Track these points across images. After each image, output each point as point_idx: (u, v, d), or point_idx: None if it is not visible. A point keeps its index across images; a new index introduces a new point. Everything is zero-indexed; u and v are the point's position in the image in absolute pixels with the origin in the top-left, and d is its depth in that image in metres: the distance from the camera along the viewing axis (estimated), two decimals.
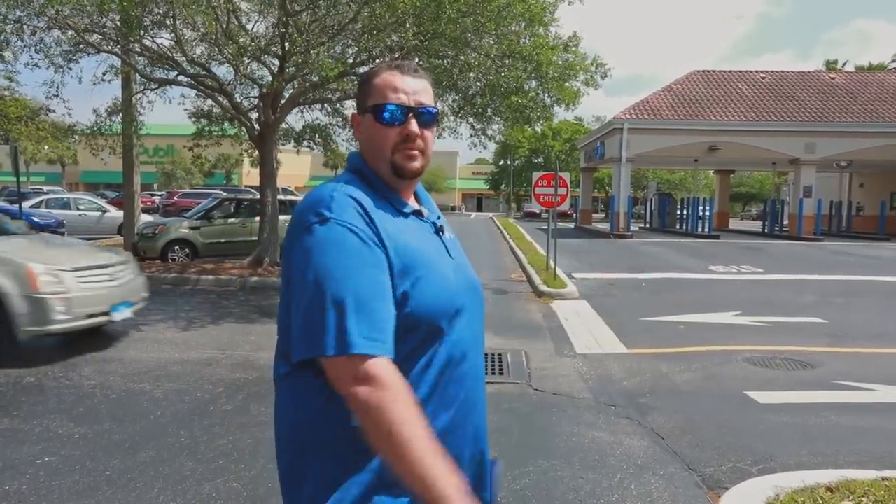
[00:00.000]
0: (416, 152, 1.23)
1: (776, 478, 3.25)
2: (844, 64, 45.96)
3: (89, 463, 3.39)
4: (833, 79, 27.37)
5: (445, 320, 1.15)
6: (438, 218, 1.31)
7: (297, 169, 49.18)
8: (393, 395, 1.02)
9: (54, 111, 16.69)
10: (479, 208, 69.25)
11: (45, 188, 29.69)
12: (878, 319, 8.07)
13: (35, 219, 15.65)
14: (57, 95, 10.40)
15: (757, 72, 27.63)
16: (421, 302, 1.11)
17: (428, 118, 1.24)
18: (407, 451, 1.00)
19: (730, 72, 27.66)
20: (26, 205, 17.67)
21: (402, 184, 1.25)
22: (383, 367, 1.03)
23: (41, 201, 18.46)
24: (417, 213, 1.25)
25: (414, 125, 1.21)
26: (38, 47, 9.59)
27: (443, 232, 1.28)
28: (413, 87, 1.23)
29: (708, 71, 27.60)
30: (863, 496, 2.97)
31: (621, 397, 4.75)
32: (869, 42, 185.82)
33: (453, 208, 61.26)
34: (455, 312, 1.17)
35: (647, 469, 3.46)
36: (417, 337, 1.12)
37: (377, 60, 10.22)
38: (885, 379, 5.25)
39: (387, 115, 1.21)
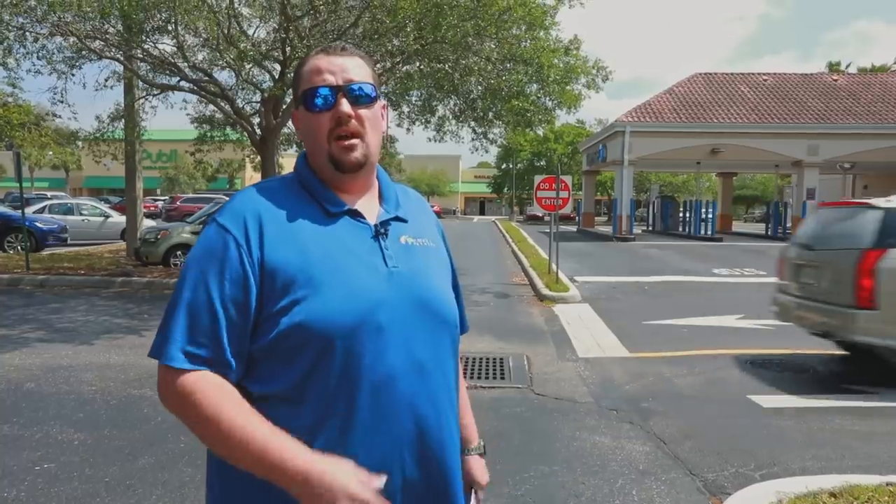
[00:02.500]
0: (354, 141, 1.09)
1: (779, 483, 3.22)
2: (847, 66, 45.89)
3: (88, 469, 3.38)
4: (835, 80, 27.32)
5: (345, 338, 1.01)
6: (395, 218, 1.16)
7: None
8: (202, 398, 0.97)
9: (60, 116, 16.81)
10: (482, 212, 69.27)
11: (49, 193, 29.82)
12: None
13: (38, 224, 15.70)
14: (62, 101, 10.45)
15: (759, 74, 27.60)
16: (309, 315, 1.00)
17: (360, 95, 1.10)
18: (236, 443, 0.95)
19: (732, 74, 27.64)
20: (29, 210, 17.74)
21: (344, 179, 1.12)
22: (191, 378, 0.99)
23: (44, 207, 18.50)
24: (353, 214, 1.11)
25: (344, 105, 1.08)
26: (40, 54, 9.64)
27: (385, 236, 1.12)
28: (341, 66, 1.10)
29: (710, 73, 27.58)
30: (867, 502, 2.94)
31: (623, 401, 4.72)
32: (869, 43, 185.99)
33: (453, 212, 61.26)
34: (363, 330, 1.02)
35: (649, 474, 3.43)
36: (310, 355, 1.01)
37: (378, 65, 10.24)
38: (889, 382, 5.20)
39: (317, 100, 1.09)
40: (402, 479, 1.05)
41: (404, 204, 1.20)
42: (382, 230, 1.12)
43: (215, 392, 0.98)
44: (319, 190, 1.11)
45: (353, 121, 1.09)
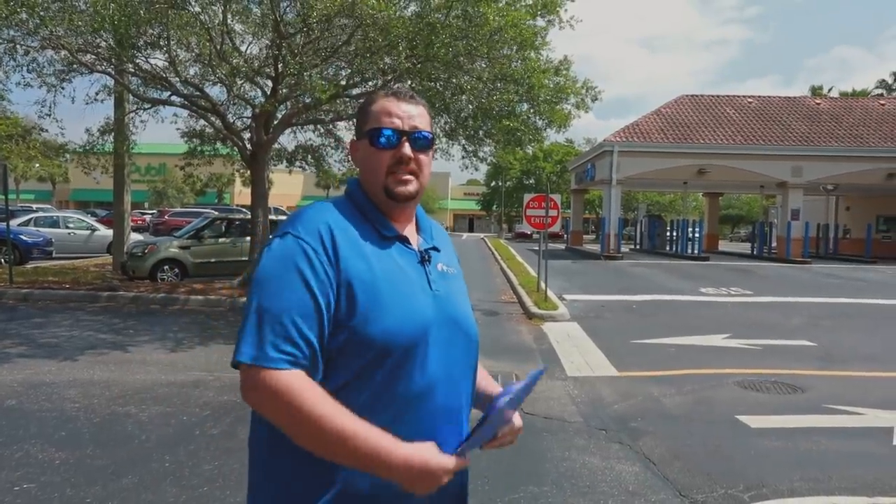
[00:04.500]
0: (409, 176, 1.24)
1: None
2: (829, 90, 46.90)
3: (69, 490, 3.31)
4: (818, 104, 27.88)
5: (401, 350, 1.13)
6: (434, 248, 1.30)
7: (289, 189, 49.19)
8: (296, 397, 1.04)
9: (47, 130, 16.64)
10: (471, 229, 69.42)
11: (35, 206, 29.48)
12: (867, 342, 8.12)
13: (23, 237, 15.51)
14: (49, 115, 10.39)
15: (744, 96, 28.11)
16: (373, 327, 1.11)
17: (422, 142, 1.26)
18: (346, 450, 1.05)
19: (718, 96, 28.12)
20: (15, 223, 17.53)
21: (395, 208, 1.25)
22: (286, 378, 1.05)
23: (30, 219, 18.28)
24: (403, 240, 1.24)
25: (407, 148, 1.23)
26: (30, 67, 9.59)
27: (429, 262, 1.26)
28: (408, 112, 1.25)
29: (696, 95, 28.05)
30: None
31: (612, 421, 4.72)
32: (849, 69, 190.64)
33: (446, 229, 61.27)
34: (416, 345, 1.15)
35: (638, 495, 3.43)
36: (369, 363, 1.12)
37: (370, 83, 10.31)
38: (874, 403, 5.26)
39: (382, 139, 1.23)
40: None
41: (436, 235, 1.34)
42: (427, 257, 1.26)
43: (313, 391, 1.06)
44: (374, 214, 1.24)
45: (412, 163, 1.24)
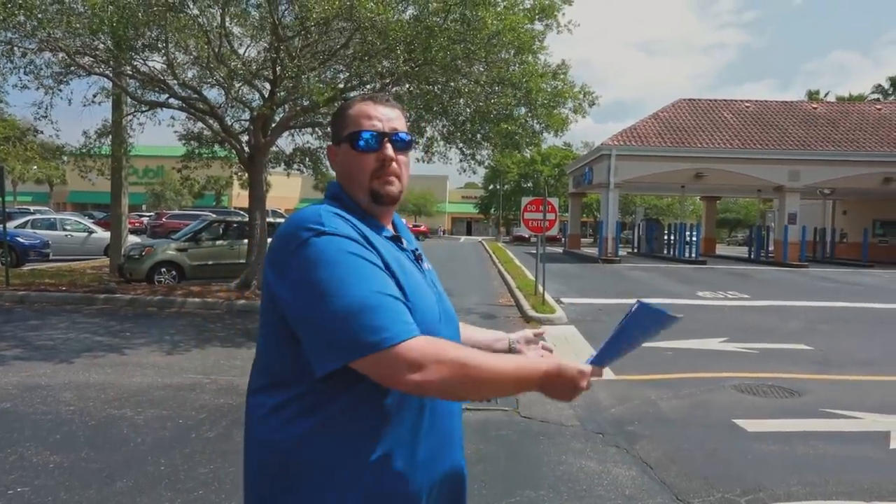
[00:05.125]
0: (392, 178, 1.25)
1: None
2: (826, 94, 47.10)
3: (64, 493, 3.29)
4: (815, 109, 27.98)
5: None
6: (416, 249, 1.33)
7: (287, 192, 49.15)
8: (447, 355, 1.07)
9: (42, 132, 16.61)
10: (469, 232, 69.46)
11: (32, 208, 29.41)
12: (864, 346, 8.12)
13: (20, 239, 15.47)
14: (45, 117, 10.37)
15: (741, 101, 28.20)
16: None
17: (402, 144, 1.27)
18: (501, 377, 1.12)
19: (715, 100, 28.21)
20: (12, 225, 17.48)
21: (380, 210, 1.27)
22: (422, 344, 1.07)
23: (27, 221, 18.24)
24: (396, 240, 1.27)
25: (389, 150, 1.24)
26: (27, 69, 9.58)
27: (421, 261, 1.30)
28: (387, 115, 1.26)
29: (694, 99, 28.14)
30: None
31: (609, 425, 4.71)
32: (845, 73, 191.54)
33: (444, 232, 61.36)
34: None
35: (636, 500, 3.42)
36: None
37: (368, 86, 10.32)
38: (871, 407, 5.26)
39: (362, 142, 1.24)
40: (448, 463, 1.24)
41: (410, 236, 1.37)
42: (419, 255, 1.30)
43: (453, 344, 1.12)
44: (367, 217, 1.25)
45: (394, 164, 1.25)
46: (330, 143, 1.34)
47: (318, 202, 1.28)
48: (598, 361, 1.23)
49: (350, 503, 1.13)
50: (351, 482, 1.13)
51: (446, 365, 1.06)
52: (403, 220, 1.42)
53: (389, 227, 1.30)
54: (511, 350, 1.49)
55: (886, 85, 45.31)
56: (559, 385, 1.16)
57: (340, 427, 1.12)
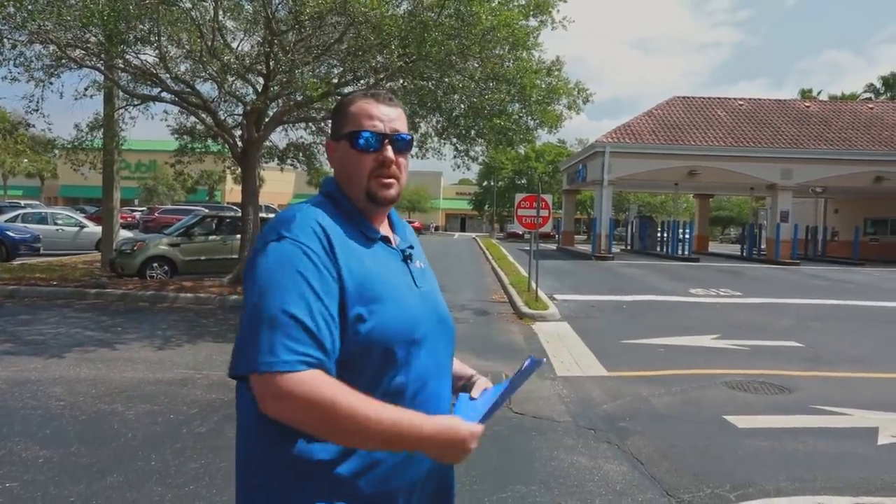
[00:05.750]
0: (391, 180, 1.24)
1: None
2: (819, 93, 47.29)
3: (53, 489, 3.27)
4: (808, 107, 28.11)
5: (401, 348, 1.16)
6: (410, 247, 1.31)
7: (280, 187, 48.97)
8: (325, 395, 1.03)
9: (34, 126, 16.48)
10: (463, 228, 69.46)
11: (23, 202, 29.18)
12: (854, 343, 8.19)
13: (10, 233, 15.34)
14: (37, 110, 10.28)
15: (735, 99, 28.31)
16: (375, 327, 1.13)
17: (402, 145, 1.25)
18: (377, 432, 1.04)
19: (709, 98, 28.29)
20: (1, 219, 17.33)
21: (375, 210, 1.26)
22: (302, 379, 1.02)
23: (17, 215, 18.10)
24: (385, 240, 1.26)
25: (389, 151, 1.23)
26: (18, 61, 9.48)
27: (411, 260, 1.28)
28: (388, 115, 1.24)
29: (688, 97, 28.20)
30: None
31: (601, 421, 4.73)
32: (838, 72, 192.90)
33: (436, 228, 61.39)
34: (413, 341, 1.18)
35: (626, 495, 3.43)
36: (373, 363, 1.14)
37: (362, 81, 10.28)
38: (860, 403, 5.30)
39: (362, 141, 1.22)
40: (427, 478, 1.22)
41: (408, 234, 1.35)
42: (408, 255, 1.28)
43: (332, 384, 1.05)
44: (358, 217, 1.24)
45: (394, 166, 1.24)
46: (328, 137, 1.33)
47: (311, 198, 1.28)
48: (485, 419, 1.15)
49: (334, 497, 1.13)
50: (334, 477, 1.13)
51: (314, 409, 1.02)
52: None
53: (383, 226, 1.29)
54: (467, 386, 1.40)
55: (879, 84, 45.56)
56: (450, 448, 1.09)
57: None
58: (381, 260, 1.21)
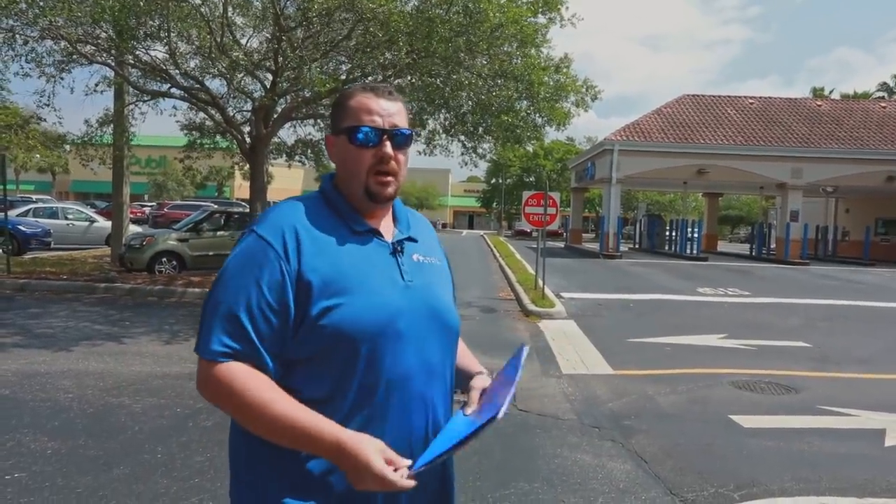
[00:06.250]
0: (389, 178, 1.23)
1: None
2: (831, 91, 46.84)
3: (60, 480, 3.31)
4: (819, 106, 27.84)
5: (372, 342, 1.13)
6: (409, 239, 1.28)
7: (289, 183, 49.05)
8: (238, 386, 1.08)
9: (45, 120, 16.61)
10: (471, 226, 69.42)
11: (35, 197, 29.42)
12: (862, 344, 8.12)
13: (21, 227, 15.49)
14: (48, 105, 10.36)
15: (745, 97, 28.07)
16: (343, 319, 1.12)
17: (402, 140, 1.24)
18: (272, 418, 1.07)
19: (719, 96, 28.08)
20: (13, 213, 17.49)
21: (372, 207, 1.24)
22: (228, 370, 1.09)
23: (29, 210, 18.27)
24: (375, 233, 1.24)
25: (388, 147, 1.21)
26: (29, 57, 9.56)
27: (402, 253, 1.25)
28: (388, 110, 1.22)
29: (697, 95, 28.00)
30: None
31: (606, 419, 4.72)
32: (849, 70, 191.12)
33: (443, 225, 61.44)
34: (387, 335, 1.14)
35: (629, 493, 3.43)
36: (339, 359, 1.13)
37: (370, 78, 10.28)
38: (867, 404, 5.26)
39: (361, 136, 1.21)
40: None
41: (414, 226, 1.32)
42: (399, 248, 1.25)
43: (249, 377, 1.09)
44: (347, 212, 1.23)
45: (393, 161, 1.22)
46: (328, 131, 1.33)
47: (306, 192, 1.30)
48: (421, 463, 1.07)
49: (307, 493, 1.13)
50: (306, 473, 1.13)
51: (225, 398, 1.09)
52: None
53: (380, 219, 1.27)
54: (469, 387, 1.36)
55: (891, 82, 45.04)
56: (350, 467, 1.04)
57: None
58: (363, 253, 1.19)
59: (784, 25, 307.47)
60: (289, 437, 1.07)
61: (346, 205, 1.24)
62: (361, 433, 1.07)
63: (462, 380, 1.33)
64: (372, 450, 1.04)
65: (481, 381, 1.30)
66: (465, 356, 1.40)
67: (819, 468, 3.88)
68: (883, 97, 41.58)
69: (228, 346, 1.09)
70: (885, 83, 45.91)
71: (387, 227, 1.28)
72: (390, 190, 1.24)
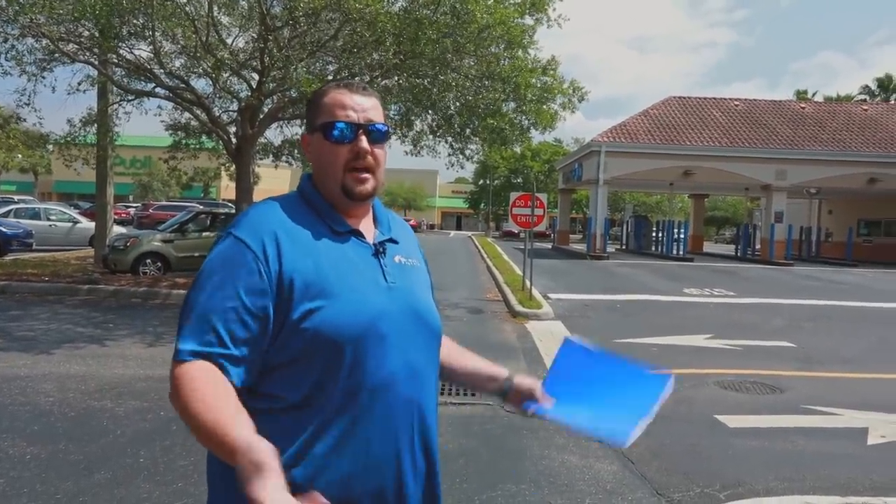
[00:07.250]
0: (366, 175, 1.21)
1: None
2: (814, 94, 47.52)
3: (39, 485, 3.24)
4: (803, 108, 28.21)
5: (354, 344, 1.10)
6: (389, 240, 1.26)
7: (275, 184, 48.70)
8: (185, 384, 1.03)
9: (25, 120, 16.37)
10: (459, 227, 69.47)
11: (16, 197, 28.99)
12: (846, 344, 8.22)
13: (2, 228, 15.25)
14: (28, 104, 10.21)
15: (731, 99, 28.37)
16: (324, 321, 1.09)
17: (378, 135, 1.22)
18: (201, 421, 0.98)
19: (705, 98, 28.35)
20: None
21: (350, 205, 1.22)
22: (188, 369, 1.04)
23: (10, 211, 17.99)
24: (356, 234, 1.21)
25: (364, 142, 1.19)
26: (9, 55, 9.40)
27: (384, 255, 1.22)
28: (362, 105, 1.21)
29: (684, 97, 28.24)
30: None
31: None
32: (832, 74, 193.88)
33: (430, 226, 61.44)
34: (369, 337, 1.11)
35: (616, 494, 3.43)
36: (320, 362, 1.09)
37: (357, 78, 10.25)
38: (850, 403, 5.32)
39: (336, 132, 1.19)
40: (409, 469, 1.16)
41: (394, 228, 1.30)
42: (381, 249, 1.22)
43: (201, 375, 1.03)
44: (327, 211, 1.21)
45: (369, 157, 1.20)
46: (304, 131, 1.30)
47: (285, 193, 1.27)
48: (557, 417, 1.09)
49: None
50: (289, 479, 1.05)
51: (177, 400, 1.03)
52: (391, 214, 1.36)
53: (361, 220, 1.24)
54: (506, 391, 1.38)
55: (873, 86, 45.78)
56: (245, 470, 0.90)
57: (272, 422, 1.06)
58: (344, 254, 1.17)
59: (769, 29, 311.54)
60: (204, 432, 0.98)
61: (325, 204, 1.21)
62: (263, 445, 0.93)
63: (482, 381, 1.40)
64: (258, 463, 0.90)
65: (531, 382, 1.39)
66: (472, 357, 1.45)
67: (803, 467, 3.91)
68: (865, 100, 42.22)
69: (197, 349, 1.06)
70: (867, 86, 46.68)
71: (367, 228, 1.25)
72: (367, 187, 1.21)
